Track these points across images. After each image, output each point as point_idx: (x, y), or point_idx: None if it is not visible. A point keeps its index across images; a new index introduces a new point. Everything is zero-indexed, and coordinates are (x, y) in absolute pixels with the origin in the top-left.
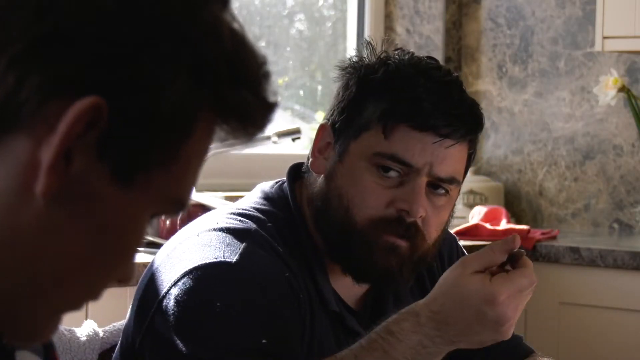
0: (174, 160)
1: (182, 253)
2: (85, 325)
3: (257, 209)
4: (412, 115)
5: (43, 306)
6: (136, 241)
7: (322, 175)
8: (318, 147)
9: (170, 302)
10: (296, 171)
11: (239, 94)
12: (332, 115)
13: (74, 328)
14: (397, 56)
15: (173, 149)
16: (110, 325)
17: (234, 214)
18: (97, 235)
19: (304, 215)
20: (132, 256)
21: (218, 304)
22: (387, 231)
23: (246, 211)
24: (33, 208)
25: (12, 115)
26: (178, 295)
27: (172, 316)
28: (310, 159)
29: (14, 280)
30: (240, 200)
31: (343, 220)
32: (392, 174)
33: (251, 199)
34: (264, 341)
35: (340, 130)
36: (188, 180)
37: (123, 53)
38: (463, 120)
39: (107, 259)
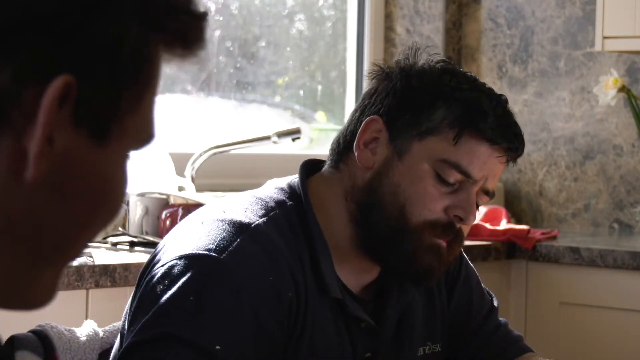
0: (141, 103)
1: (183, 238)
2: (85, 325)
3: (268, 196)
4: (486, 128)
5: (46, 271)
6: (123, 183)
7: (370, 170)
8: (364, 139)
9: (151, 280)
10: (308, 167)
11: (178, 19)
12: (385, 110)
13: (74, 328)
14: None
15: (139, 94)
16: (110, 325)
17: (245, 201)
18: (88, 196)
19: (313, 204)
20: (123, 196)
21: (191, 298)
22: (437, 234)
23: (257, 198)
24: (23, 191)
25: None
26: (159, 276)
27: (144, 293)
28: (355, 152)
29: (14, 258)
30: (252, 190)
31: (396, 217)
32: (452, 181)
33: (263, 189)
34: (217, 347)
35: (402, 128)
36: (152, 114)
37: (75, 23)
38: (521, 140)
39: (102, 211)
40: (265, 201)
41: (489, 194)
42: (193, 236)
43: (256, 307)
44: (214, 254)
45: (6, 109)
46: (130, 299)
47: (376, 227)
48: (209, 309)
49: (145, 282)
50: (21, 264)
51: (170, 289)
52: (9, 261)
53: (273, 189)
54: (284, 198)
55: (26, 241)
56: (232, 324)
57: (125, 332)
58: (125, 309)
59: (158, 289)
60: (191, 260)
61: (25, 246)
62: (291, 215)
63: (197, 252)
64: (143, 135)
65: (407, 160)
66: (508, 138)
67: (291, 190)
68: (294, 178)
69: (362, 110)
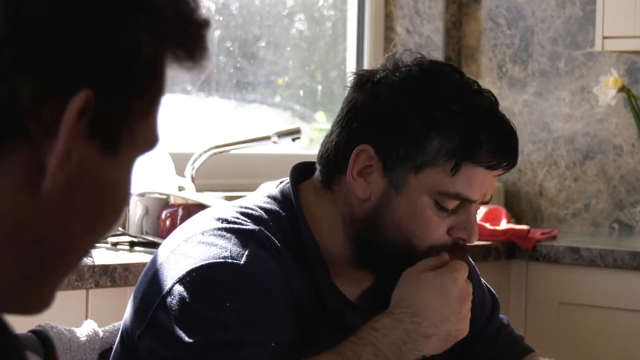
0: (150, 113)
1: (186, 250)
2: (85, 325)
3: (260, 207)
4: (482, 156)
5: (49, 280)
6: (128, 189)
7: (367, 201)
8: (357, 169)
9: (174, 299)
10: (299, 171)
11: (186, 30)
12: (374, 139)
13: (74, 328)
14: (423, 70)
15: (150, 104)
16: (110, 325)
17: (237, 212)
18: (97, 204)
19: (306, 215)
20: (127, 200)
21: (228, 304)
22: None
23: (249, 209)
24: (36, 203)
25: (11, 125)
26: (183, 291)
27: (177, 310)
28: (349, 183)
29: (19, 267)
30: (243, 199)
31: (402, 248)
32: (451, 207)
33: (255, 198)
34: (273, 344)
35: (397, 161)
36: (158, 121)
37: (92, 39)
38: (516, 150)
39: (106, 219)
40: (259, 212)
41: (486, 203)
42: (200, 248)
43: (283, 306)
44: (234, 261)
45: (26, 123)
46: (131, 305)
47: (381, 254)
48: (249, 309)
49: (168, 304)
50: (24, 271)
51: (200, 300)
52: (12, 269)
53: (265, 197)
54: (277, 208)
55: (31, 249)
56: (273, 321)
57: (127, 335)
58: (127, 313)
59: (187, 305)
60: (211, 270)
61: (30, 254)
62: (284, 226)
63: (215, 261)
64: (151, 141)
65: (405, 194)
66: (504, 161)
67: (283, 198)
68: (286, 184)
69: (350, 129)
